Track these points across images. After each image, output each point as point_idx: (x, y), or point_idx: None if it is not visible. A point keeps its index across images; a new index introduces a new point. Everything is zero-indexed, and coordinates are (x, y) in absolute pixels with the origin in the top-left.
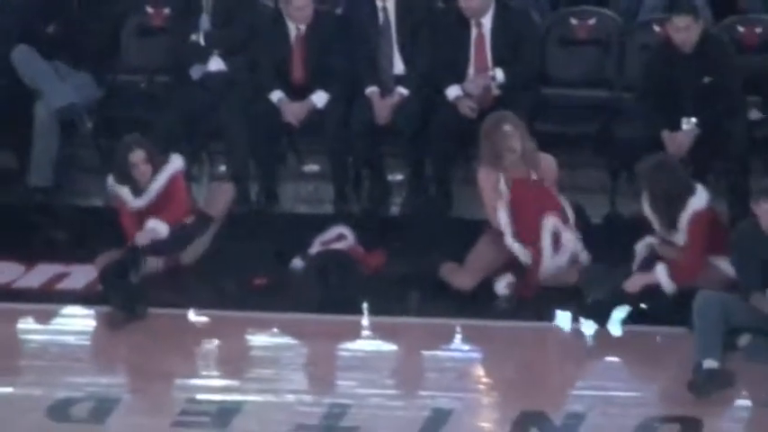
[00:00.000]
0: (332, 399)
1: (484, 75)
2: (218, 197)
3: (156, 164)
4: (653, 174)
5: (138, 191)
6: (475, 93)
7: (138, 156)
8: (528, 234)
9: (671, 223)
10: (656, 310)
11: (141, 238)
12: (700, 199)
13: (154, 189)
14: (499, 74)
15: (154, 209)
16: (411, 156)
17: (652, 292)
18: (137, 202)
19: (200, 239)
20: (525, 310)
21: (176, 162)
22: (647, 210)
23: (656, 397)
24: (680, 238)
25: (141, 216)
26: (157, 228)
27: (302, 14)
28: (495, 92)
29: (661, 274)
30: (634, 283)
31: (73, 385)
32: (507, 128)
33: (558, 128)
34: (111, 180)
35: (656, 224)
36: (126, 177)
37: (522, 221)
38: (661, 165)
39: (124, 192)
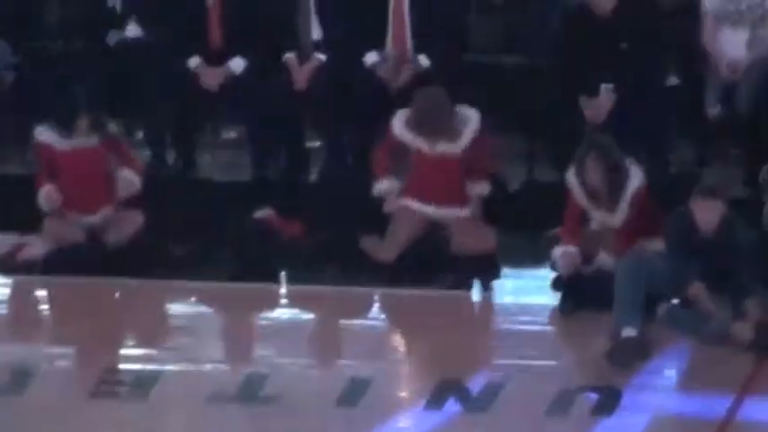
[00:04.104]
0: (250, 368)
1: (407, 66)
2: (125, 223)
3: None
4: (590, 158)
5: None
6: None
7: (84, 121)
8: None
9: (611, 205)
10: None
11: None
12: (636, 176)
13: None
14: (423, 60)
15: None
16: (329, 122)
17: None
18: (66, 145)
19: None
20: (443, 278)
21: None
22: (579, 194)
23: (574, 367)
24: (617, 219)
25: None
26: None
27: None
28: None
29: (605, 260)
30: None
31: None
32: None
33: (477, 94)
34: (39, 130)
35: (592, 209)
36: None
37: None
38: (595, 146)
39: (49, 135)
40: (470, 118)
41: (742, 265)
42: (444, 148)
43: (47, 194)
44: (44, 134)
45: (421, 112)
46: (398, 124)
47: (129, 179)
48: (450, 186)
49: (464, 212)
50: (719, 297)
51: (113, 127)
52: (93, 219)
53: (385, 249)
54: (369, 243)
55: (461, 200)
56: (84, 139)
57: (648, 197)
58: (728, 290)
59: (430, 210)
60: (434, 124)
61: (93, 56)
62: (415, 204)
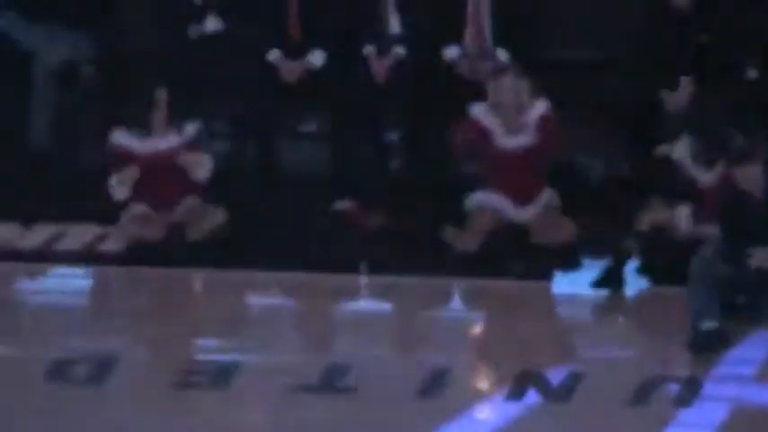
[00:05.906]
0: (330, 359)
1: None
2: (205, 217)
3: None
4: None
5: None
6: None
7: (162, 94)
8: None
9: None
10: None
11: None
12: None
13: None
14: (502, 55)
15: (162, 163)
16: (409, 115)
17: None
18: (144, 147)
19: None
20: (516, 265)
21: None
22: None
23: (655, 357)
24: (709, 178)
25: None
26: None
27: None
28: None
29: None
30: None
31: (70, 346)
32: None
33: (554, 87)
34: (116, 134)
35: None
36: (137, 120)
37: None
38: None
39: (127, 138)
40: (538, 108)
41: None
42: (519, 140)
43: (120, 178)
44: (121, 138)
45: None
46: (478, 110)
47: (196, 160)
48: (526, 178)
49: (541, 204)
50: None
51: (191, 126)
52: (173, 215)
53: (466, 239)
54: (450, 233)
55: (538, 191)
56: (162, 139)
57: None
58: None
59: (508, 206)
60: None
61: (173, 49)
62: (493, 200)
